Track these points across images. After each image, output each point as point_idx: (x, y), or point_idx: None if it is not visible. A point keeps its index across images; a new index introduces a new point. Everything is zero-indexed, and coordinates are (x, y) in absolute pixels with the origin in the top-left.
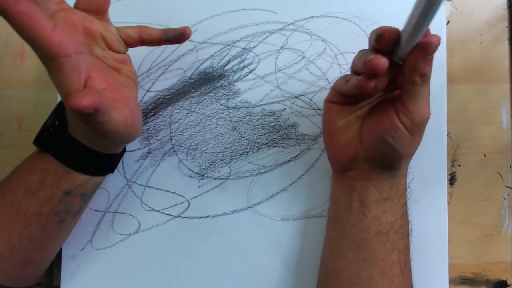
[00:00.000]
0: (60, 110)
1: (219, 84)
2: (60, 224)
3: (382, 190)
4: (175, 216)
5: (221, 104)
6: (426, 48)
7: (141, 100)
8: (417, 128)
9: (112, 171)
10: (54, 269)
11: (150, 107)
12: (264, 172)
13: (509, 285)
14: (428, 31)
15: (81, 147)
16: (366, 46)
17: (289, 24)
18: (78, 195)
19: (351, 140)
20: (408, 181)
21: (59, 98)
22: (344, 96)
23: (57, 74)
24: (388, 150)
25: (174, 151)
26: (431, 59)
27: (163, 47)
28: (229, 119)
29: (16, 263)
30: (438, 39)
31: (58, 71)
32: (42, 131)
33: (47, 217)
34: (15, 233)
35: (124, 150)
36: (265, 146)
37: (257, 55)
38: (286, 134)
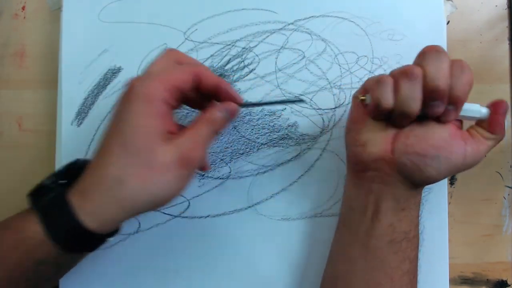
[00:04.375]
0: (65, 172)
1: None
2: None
3: (399, 200)
4: (175, 216)
5: None
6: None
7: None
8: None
9: (89, 250)
10: None
11: None
12: (264, 171)
13: (509, 285)
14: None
15: (67, 213)
16: (366, 45)
17: (289, 24)
18: (52, 265)
19: (380, 141)
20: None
21: (59, 105)
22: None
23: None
24: (432, 169)
25: None
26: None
27: (163, 46)
28: None
29: None
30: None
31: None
32: (42, 185)
33: (17, 282)
34: None
35: (114, 232)
36: (265, 146)
37: (257, 55)
38: (286, 134)
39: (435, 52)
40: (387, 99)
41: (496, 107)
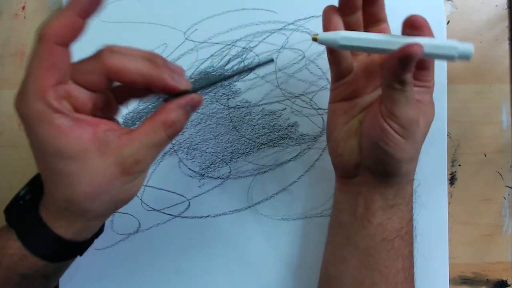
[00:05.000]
0: (35, 183)
1: (219, 83)
2: None
3: (387, 198)
4: (175, 216)
5: (221, 104)
6: (403, 59)
7: (141, 100)
8: (407, 131)
9: (74, 256)
10: None
11: (150, 106)
12: (264, 171)
13: (509, 285)
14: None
15: (44, 229)
16: None
17: (289, 24)
18: (39, 277)
19: (354, 148)
20: (414, 187)
21: None
22: (338, 67)
23: None
24: (383, 156)
25: (174, 150)
26: (411, 67)
27: (163, 46)
28: (229, 118)
29: None
30: (419, 48)
31: None
32: (13, 202)
33: None
34: None
35: (92, 238)
36: (265, 146)
37: (257, 55)
38: (286, 134)
39: None
40: None
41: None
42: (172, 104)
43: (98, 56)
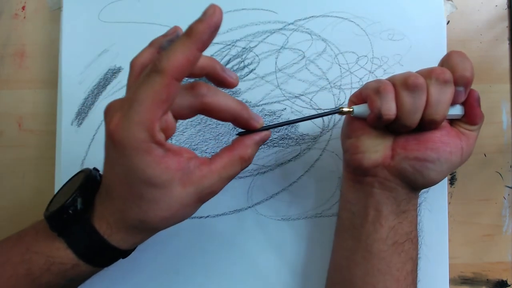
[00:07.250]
0: (84, 192)
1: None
2: None
3: (401, 203)
4: None
5: None
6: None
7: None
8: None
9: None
10: None
11: None
12: (264, 172)
13: (509, 285)
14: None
15: (102, 242)
16: (366, 45)
17: (289, 24)
18: (83, 279)
19: (380, 148)
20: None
21: (60, 105)
22: None
23: None
24: (433, 172)
25: None
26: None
27: None
28: None
29: None
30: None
31: None
32: (60, 211)
33: None
34: None
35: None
36: (265, 146)
37: (257, 55)
38: (286, 134)
39: (442, 80)
40: (389, 111)
41: (469, 100)
42: (249, 140)
43: (195, 92)
